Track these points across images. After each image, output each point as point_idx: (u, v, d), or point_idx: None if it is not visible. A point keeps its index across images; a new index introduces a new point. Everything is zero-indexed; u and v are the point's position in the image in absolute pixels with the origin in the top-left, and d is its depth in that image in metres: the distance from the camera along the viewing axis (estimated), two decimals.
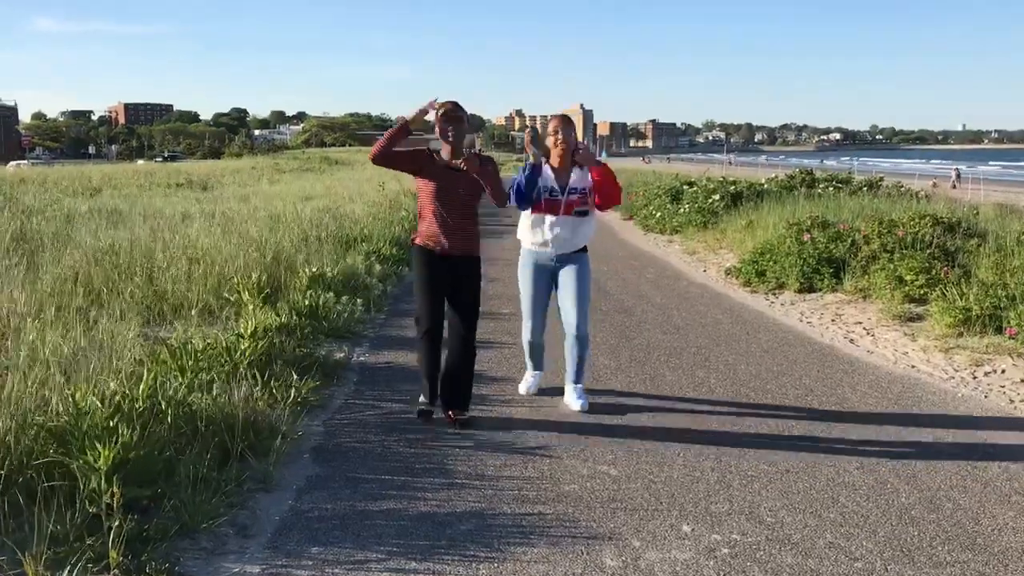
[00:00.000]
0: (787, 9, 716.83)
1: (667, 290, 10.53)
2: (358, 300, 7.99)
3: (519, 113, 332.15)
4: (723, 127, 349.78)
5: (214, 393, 4.60)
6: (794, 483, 4.35)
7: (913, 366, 6.88)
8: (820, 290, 9.86)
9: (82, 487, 3.36)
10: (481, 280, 5.31)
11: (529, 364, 5.92)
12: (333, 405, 5.46)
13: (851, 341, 7.75)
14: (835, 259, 10.05)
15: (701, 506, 4.04)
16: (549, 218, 5.40)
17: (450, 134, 5.01)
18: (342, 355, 6.70)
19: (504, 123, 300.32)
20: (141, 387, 4.27)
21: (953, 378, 6.50)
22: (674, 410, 5.59)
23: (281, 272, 8.80)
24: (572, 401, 5.55)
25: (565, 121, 5.47)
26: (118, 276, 7.79)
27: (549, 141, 5.44)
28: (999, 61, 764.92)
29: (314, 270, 8.66)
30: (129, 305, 7.04)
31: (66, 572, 3.04)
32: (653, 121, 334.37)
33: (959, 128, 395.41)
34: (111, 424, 3.71)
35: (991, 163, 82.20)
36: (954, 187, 41.53)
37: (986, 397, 6.03)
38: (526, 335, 5.72)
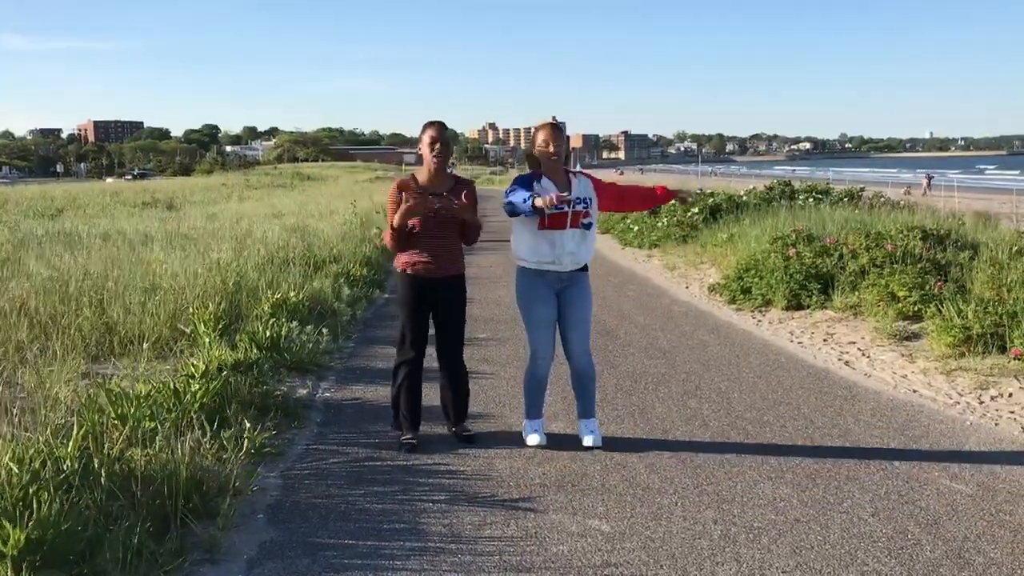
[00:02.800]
0: (756, 19, 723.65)
1: (650, 309, 10.11)
2: (323, 329, 7.47)
3: (492, 126, 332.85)
4: (695, 138, 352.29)
5: (157, 446, 4.09)
6: (805, 536, 3.91)
7: (915, 390, 6.48)
8: (809, 307, 9.46)
9: None
10: (466, 298, 5.27)
11: (529, 411, 5.16)
12: (293, 452, 4.95)
13: (846, 363, 7.34)
14: (823, 275, 9.66)
15: (706, 568, 3.59)
16: (556, 232, 4.89)
17: (435, 158, 5.00)
18: (305, 391, 6.20)
19: (477, 136, 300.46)
20: (71, 444, 3.77)
21: (958, 403, 6.10)
22: (667, 448, 5.12)
23: (243, 298, 8.29)
24: (587, 438, 5.05)
25: (555, 130, 5.05)
26: (66, 306, 7.24)
27: (539, 152, 5.03)
28: (964, 68, 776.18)
29: (277, 296, 8.15)
30: (75, 340, 6.52)
31: None
32: (625, 133, 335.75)
33: (927, 136, 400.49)
34: (28, 494, 3.20)
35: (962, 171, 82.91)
36: (925, 194, 41.89)
37: (996, 425, 5.63)
38: (535, 369, 5.06)
